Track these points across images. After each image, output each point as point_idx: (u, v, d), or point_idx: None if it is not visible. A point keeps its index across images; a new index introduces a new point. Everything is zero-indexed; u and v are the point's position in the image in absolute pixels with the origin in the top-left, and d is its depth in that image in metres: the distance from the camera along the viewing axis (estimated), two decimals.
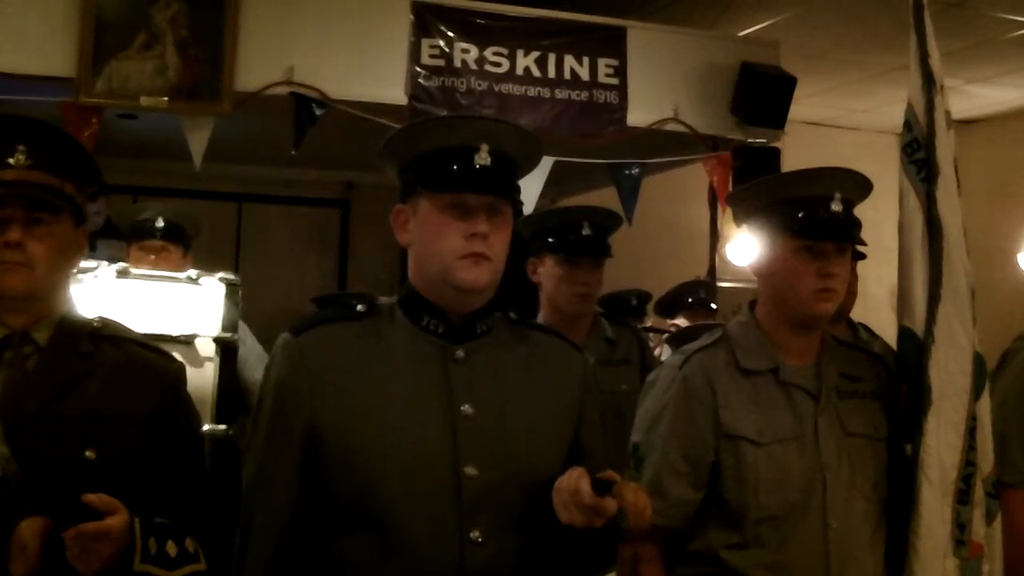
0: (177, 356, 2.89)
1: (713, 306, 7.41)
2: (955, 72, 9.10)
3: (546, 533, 2.57)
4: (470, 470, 2.56)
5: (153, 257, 5.39)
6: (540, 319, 4.55)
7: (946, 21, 7.62)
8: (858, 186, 3.21)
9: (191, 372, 2.91)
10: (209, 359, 3.86)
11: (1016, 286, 10.08)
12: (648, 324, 7.26)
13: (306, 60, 6.53)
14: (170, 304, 3.90)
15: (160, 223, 5.44)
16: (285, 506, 2.59)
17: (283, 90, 6.46)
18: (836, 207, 3.13)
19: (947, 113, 3.43)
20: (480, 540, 2.54)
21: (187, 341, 3.81)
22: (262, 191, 9.98)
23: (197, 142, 6.37)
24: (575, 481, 2.45)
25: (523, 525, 2.61)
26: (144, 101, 6.26)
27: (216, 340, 3.87)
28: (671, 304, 7.41)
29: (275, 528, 2.59)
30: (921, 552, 3.22)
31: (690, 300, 7.29)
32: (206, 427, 3.68)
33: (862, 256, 4.12)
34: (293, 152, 6.48)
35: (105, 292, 3.79)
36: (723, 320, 4.05)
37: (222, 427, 3.75)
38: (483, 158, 2.59)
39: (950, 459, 3.27)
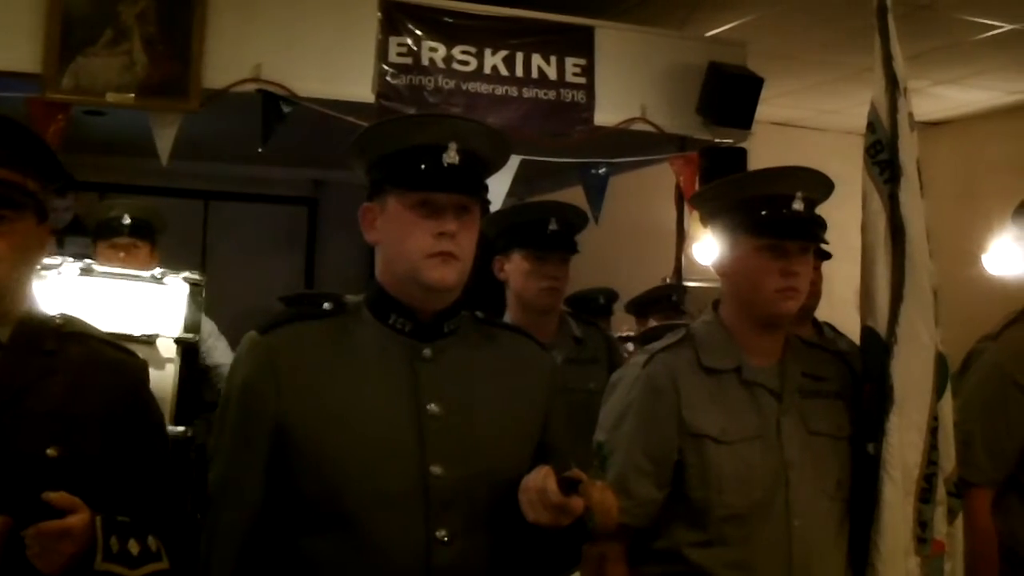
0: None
1: (684, 310, 7.42)
2: (923, 74, 9.15)
3: (513, 532, 2.58)
4: (436, 469, 2.56)
5: (122, 255, 5.38)
6: (507, 318, 4.56)
7: (914, 23, 7.67)
8: (820, 185, 3.23)
9: (152, 372, 2.90)
10: (170, 359, 3.85)
11: (982, 287, 10.12)
12: (624, 332, 7.26)
13: (274, 57, 6.51)
14: (133, 303, 3.88)
15: (127, 220, 5.43)
16: (252, 505, 2.59)
17: (251, 87, 6.44)
18: (798, 206, 3.14)
19: (910, 115, 3.45)
20: (446, 539, 2.55)
21: (149, 341, 3.80)
22: (229, 189, 9.95)
23: (164, 139, 6.34)
24: (542, 480, 2.46)
25: (490, 524, 2.61)
26: (111, 97, 6.23)
27: (177, 340, 3.86)
28: (644, 306, 7.42)
29: (242, 527, 2.59)
30: (884, 550, 3.24)
31: (662, 303, 7.30)
32: (167, 428, 3.67)
33: (827, 255, 4.15)
34: (260, 150, 6.47)
35: (68, 290, 3.77)
36: (690, 320, 4.06)
37: (180, 428, 3.74)
38: (452, 157, 2.59)
39: (913, 458, 3.29)
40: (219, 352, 5.37)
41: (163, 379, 3.78)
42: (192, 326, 3.92)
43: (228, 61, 6.42)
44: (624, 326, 7.61)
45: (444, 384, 2.63)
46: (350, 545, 2.52)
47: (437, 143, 2.59)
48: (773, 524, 3.14)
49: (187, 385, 3.86)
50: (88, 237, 5.63)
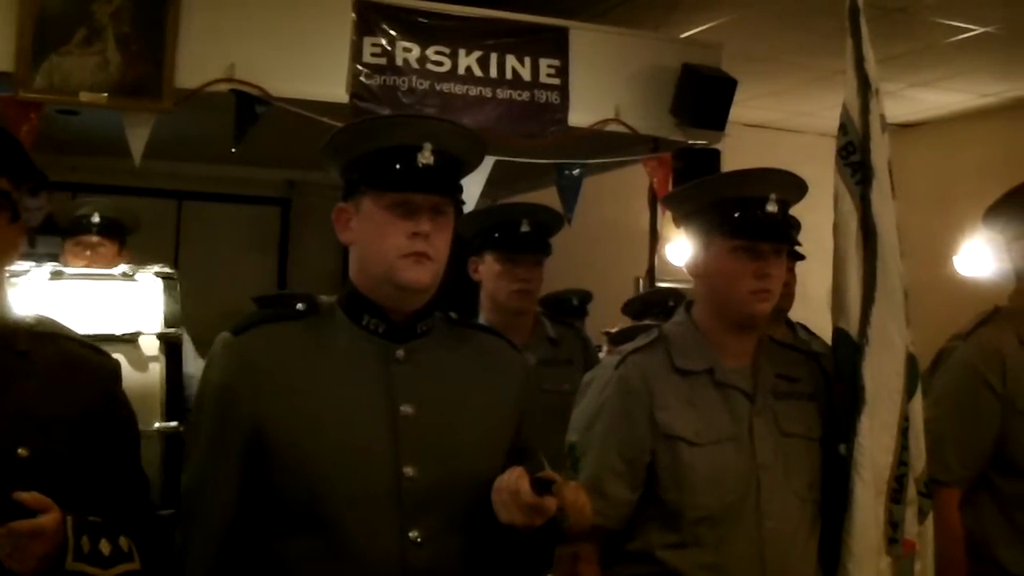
0: (120, 356, 2.87)
1: None
2: (897, 76, 9.18)
3: (487, 533, 2.58)
4: (410, 470, 2.57)
5: (89, 253, 5.37)
6: (481, 318, 4.56)
7: (888, 26, 7.70)
8: (794, 187, 3.24)
9: (137, 370, 2.89)
10: (154, 356, 3.82)
11: (953, 288, 10.16)
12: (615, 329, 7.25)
13: (247, 57, 6.48)
14: (108, 303, 3.85)
15: (96, 219, 5.41)
16: (227, 507, 2.59)
17: (224, 87, 6.41)
18: (772, 208, 3.15)
19: (882, 117, 3.46)
20: (420, 540, 2.55)
21: (130, 340, 3.77)
22: (202, 189, 9.91)
23: (137, 139, 6.31)
24: (515, 480, 2.47)
25: (464, 525, 2.62)
26: (84, 97, 6.19)
27: (160, 336, 3.84)
28: (642, 309, 7.41)
29: (217, 529, 2.59)
30: (855, 551, 3.25)
31: (660, 307, 7.29)
32: (156, 424, 3.66)
33: (800, 257, 4.16)
34: (233, 150, 6.45)
35: (40, 295, 3.74)
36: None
37: (173, 424, 3.72)
38: (426, 157, 2.60)
39: (884, 459, 3.31)
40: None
41: (149, 376, 3.76)
42: (172, 320, 3.90)
43: (201, 61, 6.39)
44: (618, 324, 7.61)
45: (418, 385, 2.64)
46: (325, 546, 2.53)
47: (412, 144, 2.60)
48: (746, 526, 3.15)
49: (175, 380, 3.83)
50: (59, 237, 5.61)
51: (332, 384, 2.60)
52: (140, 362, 3.76)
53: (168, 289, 3.92)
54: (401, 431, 2.59)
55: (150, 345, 3.82)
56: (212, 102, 6.46)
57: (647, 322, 6.83)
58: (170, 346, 3.85)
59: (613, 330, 7.08)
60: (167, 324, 3.87)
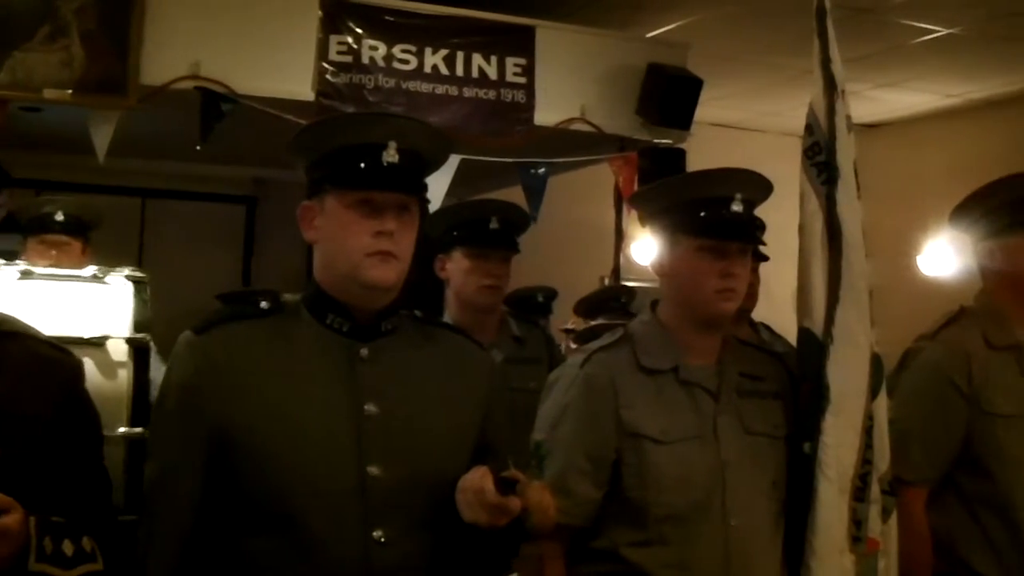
0: (87, 360, 2.85)
1: (632, 312, 7.42)
2: (862, 77, 9.21)
3: (451, 532, 2.58)
4: (374, 470, 2.56)
5: (54, 252, 5.34)
6: (447, 317, 4.56)
7: (854, 26, 7.72)
8: (759, 187, 3.25)
9: (104, 374, 2.87)
10: (122, 361, 3.80)
11: (917, 288, 10.21)
12: (570, 325, 7.26)
13: (213, 55, 6.46)
14: (77, 305, 3.83)
15: (60, 216, 5.38)
16: (189, 507, 2.58)
17: (189, 84, 6.39)
18: (737, 207, 3.16)
19: (848, 117, 3.47)
20: (384, 540, 2.55)
21: (98, 343, 3.75)
22: (167, 186, 9.89)
23: (101, 136, 6.28)
24: (479, 480, 2.47)
25: (429, 525, 2.61)
26: (47, 94, 6.15)
27: (128, 341, 3.82)
28: (593, 307, 7.42)
29: (179, 529, 2.57)
30: (819, 549, 3.26)
31: (611, 304, 7.31)
32: (121, 430, 3.64)
33: (765, 257, 4.17)
34: (199, 147, 6.42)
35: (8, 295, 3.72)
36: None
37: (138, 430, 3.70)
38: (391, 155, 2.59)
39: (848, 457, 3.31)
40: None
41: (116, 381, 3.74)
42: (141, 325, 3.88)
43: (167, 58, 6.36)
44: (569, 321, 7.61)
45: (382, 384, 2.63)
46: (290, 545, 2.52)
47: (377, 142, 2.59)
48: (710, 524, 3.15)
49: (142, 386, 3.81)
50: (20, 234, 5.57)
51: (296, 383, 2.59)
52: (107, 366, 3.75)
53: (138, 293, 3.90)
54: (365, 430, 2.58)
55: (118, 349, 3.81)
56: (177, 99, 6.43)
57: (600, 320, 6.86)
58: (138, 351, 3.84)
59: (569, 325, 7.10)
60: (136, 329, 3.85)
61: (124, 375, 3.79)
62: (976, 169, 4.54)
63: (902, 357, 3.87)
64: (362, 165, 2.58)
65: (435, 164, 2.78)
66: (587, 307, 7.38)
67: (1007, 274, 3.78)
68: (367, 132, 2.61)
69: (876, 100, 10.29)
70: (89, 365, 2.83)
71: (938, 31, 8.35)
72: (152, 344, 4.28)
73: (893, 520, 3.48)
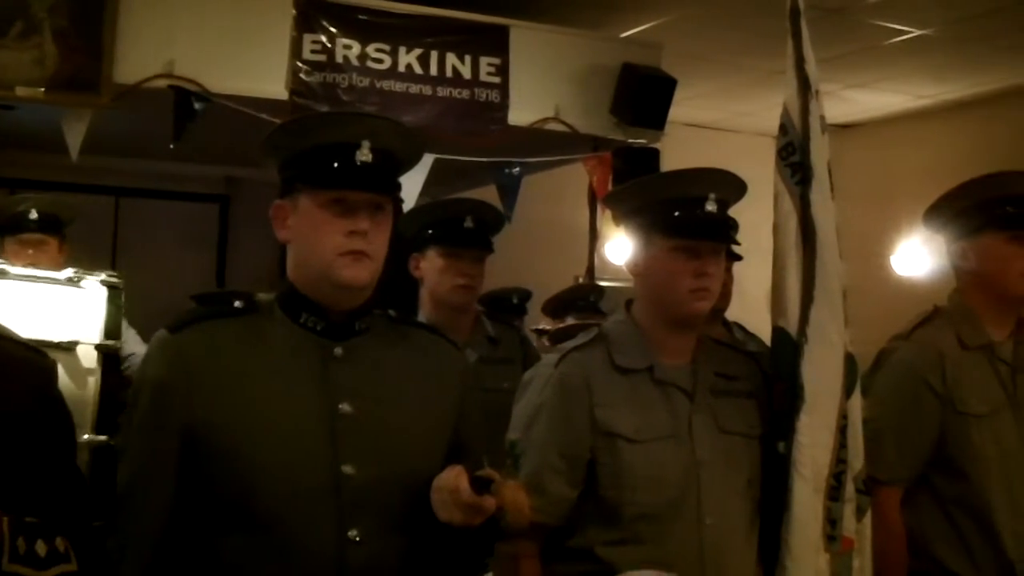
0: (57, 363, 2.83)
1: (602, 309, 7.43)
2: (834, 77, 9.23)
3: (426, 532, 2.58)
4: (348, 469, 2.56)
5: (31, 251, 5.32)
6: (422, 316, 4.56)
7: (826, 27, 7.74)
8: (733, 187, 3.26)
9: (72, 379, 2.86)
10: (91, 368, 3.78)
11: (891, 288, 10.25)
12: (542, 326, 7.26)
13: (186, 53, 6.43)
14: (50, 307, 3.81)
15: (34, 215, 5.37)
16: (163, 506, 2.57)
17: (162, 83, 6.36)
18: (711, 207, 3.17)
19: (822, 118, 3.48)
20: (359, 539, 2.54)
21: (68, 348, 3.73)
22: (141, 185, 9.85)
23: (74, 134, 6.25)
24: (454, 479, 2.47)
25: (403, 524, 2.61)
26: (20, 91, 6.12)
27: (98, 347, 3.80)
28: (561, 306, 7.42)
29: (153, 529, 2.56)
30: (794, 548, 3.27)
31: (580, 303, 7.31)
32: (85, 436, 3.62)
33: (738, 257, 4.18)
34: (172, 146, 6.39)
35: None
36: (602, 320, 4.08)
37: (102, 437, 3.68)
38: (365, 155, 2.59)
39: (823, 457, 3.32)
40: (129, 343, 5.29)
41: (84, 387, 3.72)
42: (112, 331, 3.85)
43: (140, 56, 6.33)
44: (541, 322, 7.61)
45: (356, 383, 2.63)
46: (265, 545, 2.52)
47: (350, 141, 2.59)
48: (685, 523, 3.16)
49: (109, 392, 3.79)
50: None
51: (270, 382, 2.58)
52: (76, 371, 3.72)
53: (112, 299, 3.88)
54: (339, 429, 2.58)
55: (88, 355, 3.78)
56: (151, 98, 6.40)
57: (570, 319, 6.87)
58: (107, 358, 3.81)
59: (540, 325, 7.09)
60: (107, 335, 3.82)
61: (92, 382, 3.77)
62: (949, 170, 4.56)
63: (876, 357, 3.88)
64: (335, 164, 2.57)
65: (409, 164, 2.78)
66: (555, 306, 7.37)
67: (979, 274, 3.80)
68: (340, 131, 2.61)
69: (849, 101, 10.32)
70: (58, 369, 2.81)
71: (911, 32, 8.38)
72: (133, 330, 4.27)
73: (867, 519, 3.49)
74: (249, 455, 2.51)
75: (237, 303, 2.67)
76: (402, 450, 2.63)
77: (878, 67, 9.35)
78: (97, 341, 3.79)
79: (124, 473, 2.64)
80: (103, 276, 3.91)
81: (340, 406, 2.59)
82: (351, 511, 2.55)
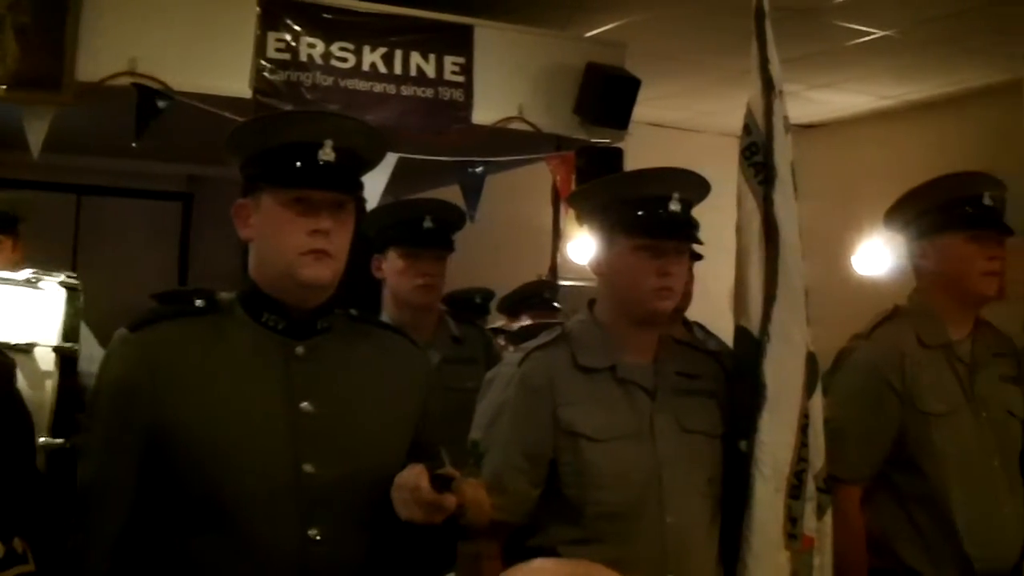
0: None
1: (557, 305, 7.44)
2: (798, 78, 9.26)
3: (388, 530, 2.58)
4: (309, 468, 2.56)
5: None
6: (385, 316, 4.55)
7: (790, 28, 7.75)
8: (697, 187, 3.27)
9: (29, 382, 2.83)
10: (48, 371, 3.75)
11: (852, 287, 10.30)
12: (498, 325, 7.26)
13: (150, 51, 6.40)
14: (7, 309, 3.77)
15: None
16: (125, 507, 2.56)
17: (125, 81, 6.33)
18: (675, 207, 3.17)
19: (785, 118, 3.49)
20: (320, 538, 2.55)
21: (25, 350, 3.70)
22: (102, 183, 9.80)
23: (36, 132, 6.21)
24: (415, 478, 2.47)
25: (365, 523, 2.62)
26: None
27: (56, 350, 3.77)
28: (516, 304, 7.43)
29: (115, 528, 2.56)
30: (755, 546, 3.28)
31: (534, 300, 7.31)
32: (42, 439, 3.59)
33: (699, 257, 4.19)
34: (135, 144, 6.36)
35: None
36: (565, 319, 4.08)
37: (58, 440, 3.66)
38: (327, 154, 2.59)
39: (784, 455, 3.33)
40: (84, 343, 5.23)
41: (41, 389, 3.69)
42: (71, 334, 3.82)
43: (103, 54, 6.29)
44: (496, 321, 7.61)
45: (317, 382, 2.63)
46: (227, 545, 2.52)
47: (312, 140, 2.59)
48: (647, 521, 3.17)
49: (66, 395, 3.75)
50: None
51: (231, 381, 2.58)
52: (33, 374, 3.68)
53: (70, 301, 3.85)
54: (300, 428, 2.58)
55: (45, 358, 3.75)
56: (114, 95, 6.37)
57: (524, 317, 6.87)
58: (65, 360, 3.78)
59: (497, 324, 7.09)
60: (65, 338, 3.79)
61: (49, 384, 3.73)
62: (911, 170, 4.58)
63: (837, 356, 3.90)
64: (298, 163, 2.57)
65: (371, 163, 2.78)
66: (510, 304, 7.38)
67: (939, 274, 3.83)
68: (303, 130, 2.60)
69: (813, 101, 10.35)
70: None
71: (874, 33, 8.41)
72: (92, 336, 4.24)
73: (828, 517, 3.50)
74: (209, 454, 2.51)
75: (198, 302, 2.66)
76: (363, 449, 2.64)
77: (841, 68, 9.38)
78: (55, 343, 3.75)
79: (85, 473, 2.63)
80: (62, 277, 3.87)
81: (301, 405, 2.59)
82: (312, 510, 2.55)
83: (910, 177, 3.98)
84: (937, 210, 3.81)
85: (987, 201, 3.78)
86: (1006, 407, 3.84)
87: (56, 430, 3.64)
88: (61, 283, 3.84)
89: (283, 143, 2.59)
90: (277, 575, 2.53)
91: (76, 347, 3.79)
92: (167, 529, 2.56)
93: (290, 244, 2.57)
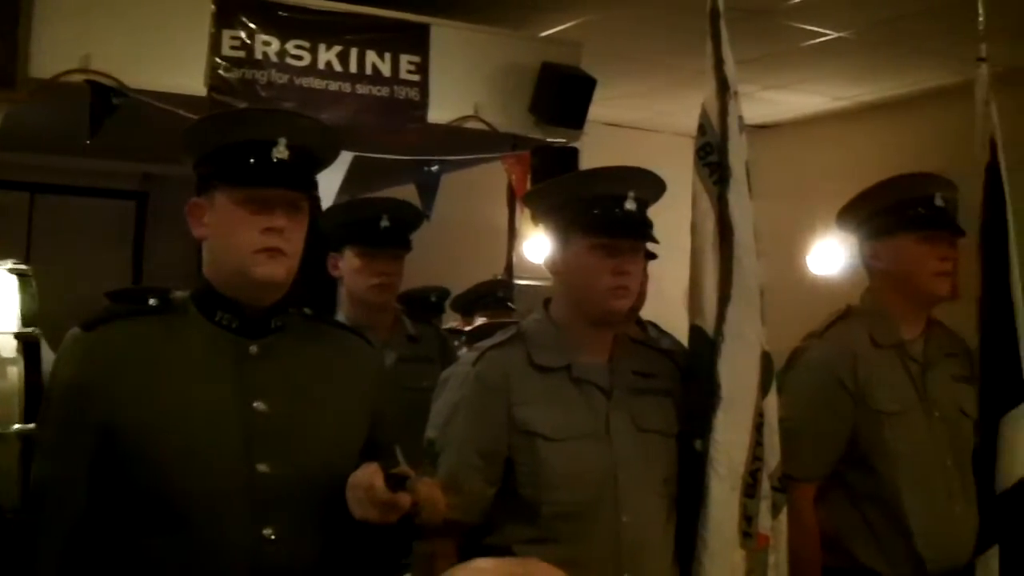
0: None
1: (511, 305, 7.45)
2: (753, 78, 9.30)
3: (342, 530, 2.58)
4: (263, 467, 2.55)
5: None
6: (341, 315, 4.54)
7: (745, 29, 7.74)
8: (652, 186, 3.27)
9: None
10: (11, 356, 3.73)
11: (806, 286, 10.35)
12: (452, 325, 7.26)
13: (104, 48, 6.35)
14: None
15: None
16: (76, 505, 2.55)
17: (79, 78, 6.29)
18: (630, 206, 3.18)
19: (740, 118, 3.51)
20: (274, 537, 2.54)
21: None
22: (56, 181, 9.72)
23: None
24: (369, 477, 2.47)
25: (319, 522, 2.61)
26: None
27: (17, 336, 3.75)
28: (470, 303, 7.43)
29: (66, 529, 2.54)
30: (710, 544, 3.29)
31: (488, 300, 7.32)
32: (16, 426, 3.57)
33: (653, 256, 4.20)
34: (88, 142, 6.32)
35: None
36: (520, 318, 4.08)
37: (31, 425, 3.63)
38: (281, 152, 2.58)
39: (739, 454, 3.35)
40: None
41: (6, 376, 3.66)
42: (30, 318, 3.80)
43: (56, 50, 6.24)
44: (450, 320, 7.62)
45: (271, 381, 2.62)
46: (180, 544, 2.51)
47: (266, 138, 2.58)
48: (602, 521, 3.17)
49: (33, 381, 3.73)
50: None
51: (184, 380, 2.57)
52: None
53: (24, 287, 3.82)
54: (254, 427, 2.57)
55: (7, 345, 3.73)
56: (67, 93, 6.32)
57: (478, 316, 6.88)
58: (28, 345, 3.76)
59: (451, 324, 7.09)
60: (24, 323, 3.77)
61: (15, 371, 3.72)
62: (864, 171, 4.61)
63: (790, 355, 3.92)
64: (251, 161, 2.57)
65: (326, 161, 2.78)
66: (464, 304, 7.38)
67: (892, 274, 3.85)
68: (257, 128, 2.60)
69: (767, 101, 10.39)
70: None
71: (828, 35, 8.46)
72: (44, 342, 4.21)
73: (783, 516, 3.52)
74: (163, 454, 2.50)
75: (152, 301, 2.65)
76: (317, 448, 2.63)
77: (796, 69, 9.43)
78: (15, 330, 3.74)
79: (38, 473, 2.62)
80: (9, 265, 3.86)
81: (255, 404, 2.58)
82: (266, 509, 2.54)
83: (864, 178, 4.00)
84: (889, 211, 3.83)
85: (939, 202, 3.81)
86: (958, 406, 3.87)
87: (29, 415, 3.62)
88: (10, 270, 3.82)
89: (237, 141, 2.58)
90: (230, 575, 2.52)
91: (37, 331, 3.77)
92: (120, 529, 2.54)
93: (244, 242, 2.56)
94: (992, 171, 4.06)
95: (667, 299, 4.86)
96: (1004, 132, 4.07)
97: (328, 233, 4.58)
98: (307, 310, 2.82)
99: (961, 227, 3.89)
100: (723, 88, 3.49)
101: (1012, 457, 3.90)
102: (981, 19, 4.31)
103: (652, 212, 3.28)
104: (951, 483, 3.78)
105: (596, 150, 7.34)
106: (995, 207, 4.04)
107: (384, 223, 4.52)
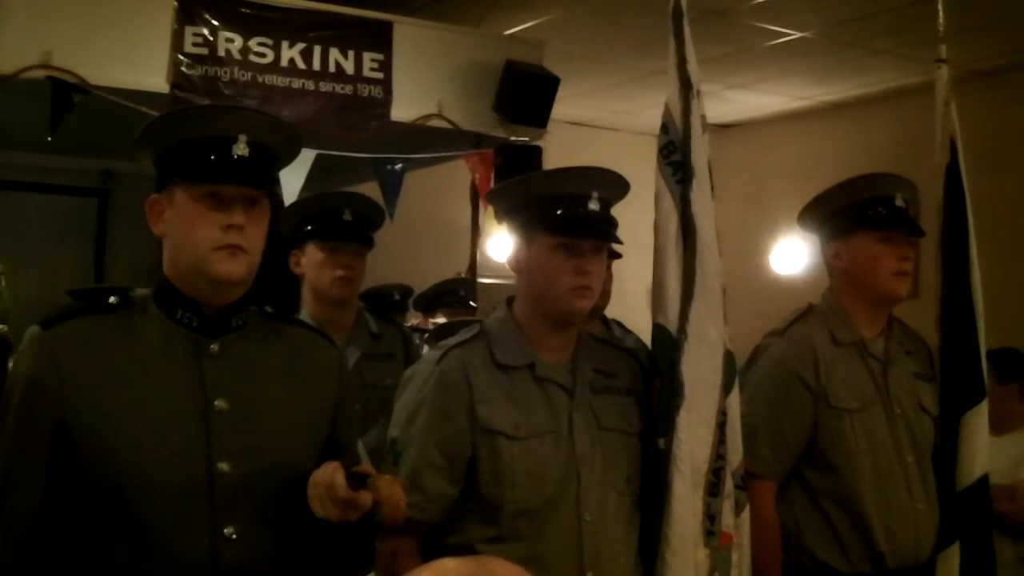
0: None
1: (472, 304, 7.46)
2: (715, 78, 9.33)
3: (303, 528, 2.57)
4: (223, 466, 2.54)
5: None
6: (304, 313, 4.53)
7: (708, 28, 7.81)
8: (616, 186, 3.27)
9: None
10: None
11: (767, 285, 10.39)
12: (413, 323, 7.26)
13: (65, 44, 6.31)
14: None
15: None
16: (32, 506, 2.53)
17: (40, 74, 6.24)
18: (593, 206, 3.18)
19: (703, 117, 3.52)
20: (234, 537, 2.53)
21: None
22: (16, 178, 9.64)
23: None
24: (330, 475, 2.46)
25: (280, 521, 2.61)
26: None
27: None
28: (432, 301, 7.43)
29: (21, 528, 2.53)
30: (673, 543, 3.30)
31: (450, 297, 7.32)
32: None
33: (617, 256, 4.21)
34: (49, 138, 6.29)
35: None
36: (482, 316, 4.09)
37: None
38: (241, 149, 2.58)
39: (701, 453, 3.36)
40: None
41: None
42: (1, 315, 3.79)
43: (17, 46, 6.19)
44: (413, 319, 7.62)
45: (231, 380, 2.61)
46: (138, 545, 2.49)
47: (226, 135, 2.58)
48: (564, 519, 3.17)
49: (1, 379, 3.72)
50: None
51: (143, 379, 2.55)
52: None
53: None
54: (214, 426, 2.56)
55: None
56: (27, 89, 6.29)
57: (440, 314, 6.88)
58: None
59: (412, 322, 7.09)
60: None
61: None
62: (826, 170, 4.65)
63: (752, 353, 3.94)
64: (211, 158, 2.56)
65: (286, 159, 2.78)
66: (426, 301, 7.40)
67: (852, 273, 3.88)
68: (217, 125, 2.59)
69: (730, 101, 10.43)
70: None
71: (790, 35, 8.49)
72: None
73: (746, 514, 3.53)
74: (121, 453, 2.49)
75: (112, 299, 2.64)
76: (277, 447, 2.63)
77: (758, 68, 9.46)
78: None
79: None
80: None
81: (215, 403, 2.57)
82: (226, 508, 2.53)
83: (825, 177, 4.02)
84: (849, 211, 3.86)
85: (899, 202, 3.83)
86: (919, 404, 3.90)
87: None
88: None
89: (196, 137, 2.58)
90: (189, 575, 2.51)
91: (5, 328, 3.75)
92: (77, 529, 2.52)
93: (203, 239, 2.55)
94: (952, 171, 4.10)
95: (630, 298, 4.88)
96: (962, 134, 4.10)
97: (290, 230, 4.56)
98: (268, 308, 2.81)
99: (921, 227, 3.92)
100: (686, 87, 3.50)
101: (972, 455, 3.94)
102: (941, 21, 4.34)
103: (615, 210, 3.28)
104: (911, 480, 3.81)
105: (559, 149, 7.36)
106: (956, 207, 4.08)
107: (347, 216, 4.52)
